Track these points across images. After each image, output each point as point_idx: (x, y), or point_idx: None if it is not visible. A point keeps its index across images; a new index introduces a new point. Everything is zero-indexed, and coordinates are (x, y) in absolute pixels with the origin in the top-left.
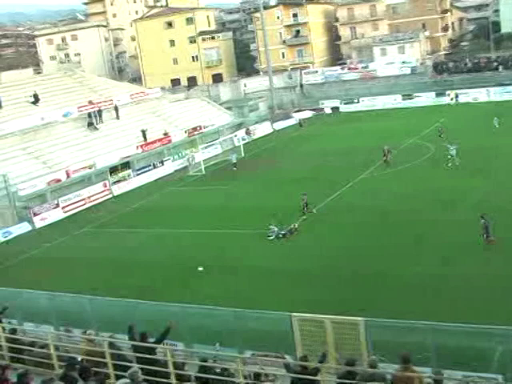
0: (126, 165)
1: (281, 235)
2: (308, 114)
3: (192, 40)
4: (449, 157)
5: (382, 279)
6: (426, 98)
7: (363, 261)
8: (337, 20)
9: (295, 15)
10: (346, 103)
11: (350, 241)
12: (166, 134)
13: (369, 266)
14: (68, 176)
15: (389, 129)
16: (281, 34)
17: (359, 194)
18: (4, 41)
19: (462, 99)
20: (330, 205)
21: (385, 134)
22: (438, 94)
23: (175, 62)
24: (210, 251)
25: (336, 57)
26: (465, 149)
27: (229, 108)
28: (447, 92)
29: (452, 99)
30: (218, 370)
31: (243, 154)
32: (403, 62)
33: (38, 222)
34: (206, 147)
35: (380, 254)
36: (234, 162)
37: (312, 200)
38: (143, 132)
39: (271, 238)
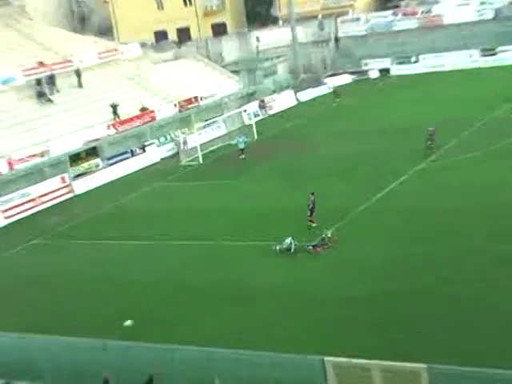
0: (92, 151)
1: (311, 247)
2: (346, 79)
3: None
4: None
5: (450, 304)
6: None
7: (422, 281)
8: None
9: None
10: (399, 63)
11: (402, 254)
12: (143, 109)
13: (431, 286)
14: (10, 168)
15: (461, 98)
16: None
17: (416, 192)
18: None
19: None
20: (375, 207)
21: (455, 105)
22: None
23: (160, 6)
24: (210, 271)
25: None
26: None
27: (235, 72)
28: None
29: None
30: None
31: (256, 136)
32: (482, 3)
33: None
34: (204, 127)
35: (447, 270)
36: (242, 147)
37: (346, 200)
38: (113, 107)
39: (291, 251)
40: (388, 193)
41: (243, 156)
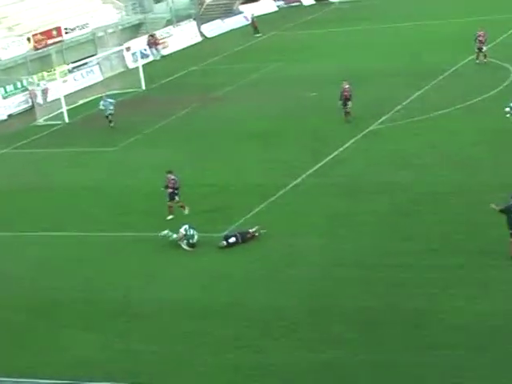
0: None
1: (224, 243)
2: (270, 6)
3: None
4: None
5: (426, 324)
6: None
7: (384, 292)
8: None
9: None
10: None
11: (356, 250)
12: None
13: (395, 301)
14: None
15: (425, 37)
16: None
17: (365, 163)
18: None
19: None
20: (313, 182)
21: (417, 45)
22: None
23: None
24: (75, 276)
25: None
26: None
27: None
28: None
29: None
30: None
31: (143, 86)
32: None
33: None
34: (70, 71)
35: (417, 277)
36: (110, 112)
37: (269, 176)
38: None
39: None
40: (324, 165)
41: (112, 124)
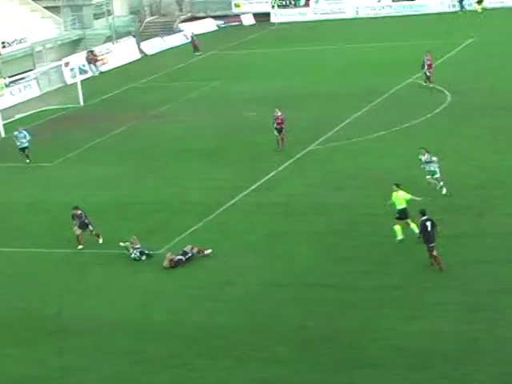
0: None
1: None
2: (210, 25)
3: None
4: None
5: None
6: None
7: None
8: None
9: None
10: (282, 6)
11: (293, 269)
12: None
13: (331, 321)
14: None
15: (364, 58)
16: None
17: (302, 183)
18: None
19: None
20: (251, 201)
21: (357, 67)
22: None
23: None
24: (15, 289)
25: None
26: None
27: (54, 9)
28: None
29: (481, 2)
30: None
31: (81, 102)
32: None
33: None
34: (7, 85)
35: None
36: (24, 146)
37: (209, 194)
38: None
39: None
40: (262, 185)
41: (28, 160)
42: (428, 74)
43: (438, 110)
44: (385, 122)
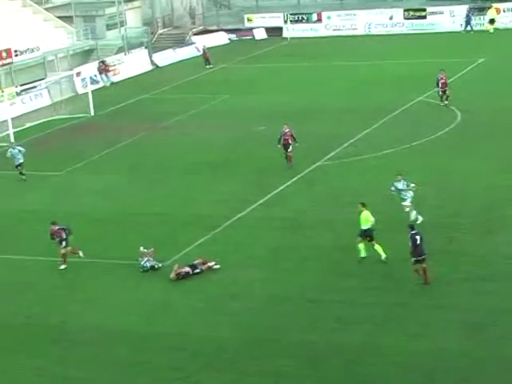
0: None
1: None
2: (222, 38)
3: None
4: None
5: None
6: (452, 17)
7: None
8: None
9: None
10: (295, 21)
11: (299, 284)
12: None
13: (336, 336)
14: None
15: (375, 75)
16: None
17: (310, 198)
18: None
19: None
20: (258, 215)
21: (367, 84)
22: (478, 10)
23: None
24: (19, 297)
25: None
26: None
27: (67, 19)
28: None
29: (493, 22)
30: None
31: (92, 112)
32: None
33: None
34: (18, 94)
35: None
36: (19, 162)
37: (215, 207)
38: None
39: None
40: (269, 199)
41: (24, 176)
42: (441, 92)
43: (447, 129)
44: (394, 140)
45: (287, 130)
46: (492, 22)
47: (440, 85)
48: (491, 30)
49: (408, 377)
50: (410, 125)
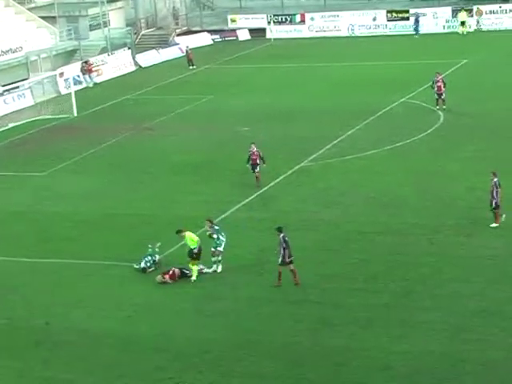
0: None
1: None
2: (206, 39)
3: None
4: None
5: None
6: (435, 19)
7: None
8: None
9: None
10: (278, 22)
11: (282, 285)
12: None
13: (320, 338)
14: None
15: (359, 76)
16: None
17: (293, 199)
18: None
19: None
20: (241, 216)
21: (351, 85)
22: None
23: None
24: (1, 299)
25: None
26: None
27: (50, 19)
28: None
29: (464, 24)
30: None
31: (75, 113)
32: None
33: None
34: (1, 94)
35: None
36: None
37: (198, 208)
38: None
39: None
40: (253, 200)
41: None
42: (437, 96)
43: (430, 130)
44: (377, 141)
45: (255, 150)
46: (463, 24)
47: (436, 88)
48: (465, 33)
49: (391, 378)
50: (393, 126)
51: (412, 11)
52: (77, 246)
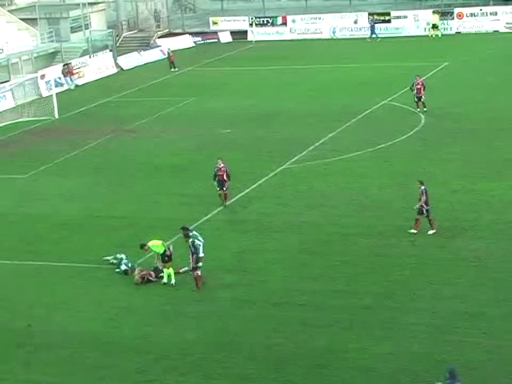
0: None
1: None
2: (187, 41)
3: None
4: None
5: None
6: (416, 22)
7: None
8: None
9: None
10: (260, 24)
11: (265, 287)
12: None
13: (301, 340)
14: None
15: (340, 79)
16: None
17: (275, 201)
18: None
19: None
20: (223, 218)
21: (332, 88)
22: (442, 15)
23: None
24: None
25: None
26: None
27: (31, 21)
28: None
29: (435, 27)
30: None
31: (56, 115)
32: None
33: None
34: None
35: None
36: None
37: (180, 210)
38: None
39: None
40: (235, 202)
41: None
42: (416, 98)
43: (411, 133)
44: (359, 143)
45: (222, 166)
46: (434, 27)
47: (416, 90)
48: (439, 35)
49: (373, 380)
50: (375, 128)
51: (394, 14)
52: (59, 249)
